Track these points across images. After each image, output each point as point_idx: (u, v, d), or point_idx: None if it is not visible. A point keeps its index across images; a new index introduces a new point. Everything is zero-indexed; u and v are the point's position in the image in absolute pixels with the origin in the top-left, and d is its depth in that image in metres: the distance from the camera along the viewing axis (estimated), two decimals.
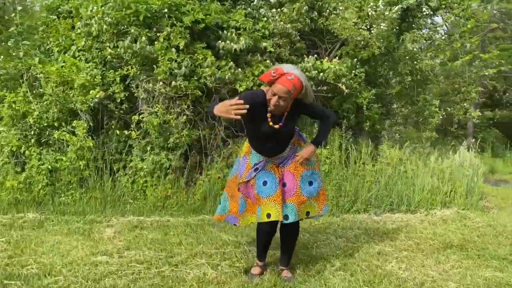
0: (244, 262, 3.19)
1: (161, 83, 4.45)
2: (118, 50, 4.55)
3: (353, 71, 5.28)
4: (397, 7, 5.03)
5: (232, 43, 4.63)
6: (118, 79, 4.79)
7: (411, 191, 4.95)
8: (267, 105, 2.63)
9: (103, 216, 4.35)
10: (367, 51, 4.99)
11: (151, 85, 4.45)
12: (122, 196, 4.69)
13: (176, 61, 4.46)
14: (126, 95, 4.79)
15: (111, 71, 4.85)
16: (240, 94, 2.70)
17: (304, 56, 5.27)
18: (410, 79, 5.42)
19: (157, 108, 4.59)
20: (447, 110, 6.78)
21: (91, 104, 4.58)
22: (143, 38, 4.35)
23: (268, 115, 2.69)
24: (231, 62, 4.63)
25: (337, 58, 5.61)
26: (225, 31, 4.83)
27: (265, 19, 5.27)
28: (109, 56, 4.67)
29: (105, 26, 4.55)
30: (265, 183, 2.78)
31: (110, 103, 4.75)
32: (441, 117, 6.26)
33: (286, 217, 2.78)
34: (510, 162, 10.91)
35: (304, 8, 5.04)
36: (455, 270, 3.13)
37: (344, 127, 5.42)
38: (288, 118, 2.75)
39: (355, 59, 5.43)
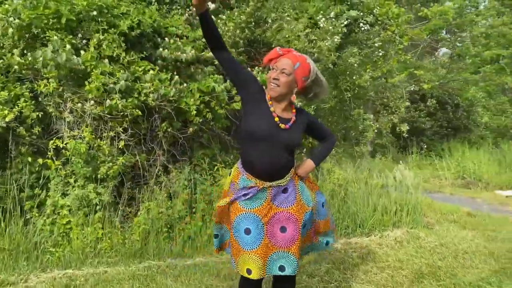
0: None
1: (92, 102, 3.60)
2: (30, 59, 3.57)
3: None
4: (345, 21, 4.83)
5: (178, 53, 3.95)
6: (26, 95, 3.78)
7: (363, 213, 4.80)
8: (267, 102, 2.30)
9: (17, 275, 3.36)
10: (320, 64, 4.70)
11: (80, 104, 3.56)
12: (40, 244, 3.71)
13: (111, 74, 3.64)
14: (40, 115, 3.82)
15: (16, 84, 3.82)
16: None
17: (249, 69, 4.80)
18: (349, 95, 5.29)
19: (85, 132, 3.72)
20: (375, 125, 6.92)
21: None
22: (67, 46, 3.45)
23: (272, 109, 2.28)
24: (176, 76, 3.96)
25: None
26: (166, 39, 4.14)
27: None
28: (16, 67, 3.65)
29: (10, 30, 3.54)
30: (247, 231, 2.24)
31: (18, 125, 3.73)
32: (375, 131, 6.39)
33: (282, 268, 2.29)
34: (409, 166, 11.74)
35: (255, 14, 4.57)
36: None
37: None
38: (295, 123, 2.33)
39: None
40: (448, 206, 6.38)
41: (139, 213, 4.07)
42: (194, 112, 4.02)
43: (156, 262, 3.69)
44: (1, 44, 3.81)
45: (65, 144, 3.73)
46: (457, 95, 15.98)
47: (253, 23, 4.74)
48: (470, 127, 16.61)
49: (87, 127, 3.70)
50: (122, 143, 3.76)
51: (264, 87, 2.42)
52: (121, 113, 3.72)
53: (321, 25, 4.85)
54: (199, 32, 4.52)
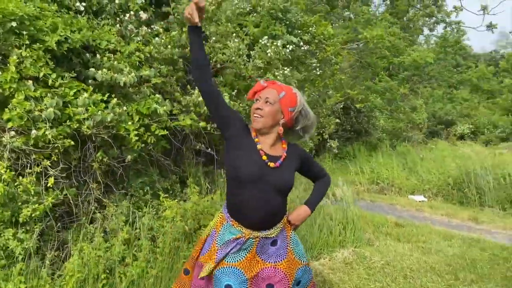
0: None
1: (12, 132, 2.93)
2: None
3: (239, 104, 4.71)
4: (290, 46, 4.69)
5: (116, 74, 3.43)
6: None
7: (310, 235, 4.70)
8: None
9: None
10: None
11: None
12: None
13: (36, 99, 3.01)
14: None
15: None
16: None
17: (189, 88, 4.42)
18: None
19: (1, 169, 3.03)
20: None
21: None
22: None
23: (259, 146, 2.04)
24: (115, 99, 3.43)
25: None
26: (97, 55, 3.58)
27: (138, 39, 4.19)
28: None
29: None
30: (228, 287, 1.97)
31: None
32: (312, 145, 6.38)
33: None
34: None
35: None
36: None
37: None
38: (287, 160, 2.09)
39: (234, 90, 4.87)
40: (376, 216, 6.60)
41: (71, 258, 3.45)
42: (135, 138, 3.53)
43: None
44: None
45: None
46: (361, 101, 17.06)
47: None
48: (370, 130, 17.87)
49: (3, 162, 3.02)
50: (51, 180, 3.14)
51: (248, 125, 2.14)
52: (50, 144, 3.10)
53: (268, 51, 4.65)
54: (133, 45, 4.03)
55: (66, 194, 3.47)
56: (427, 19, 24.71)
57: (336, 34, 5.66)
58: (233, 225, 2.04)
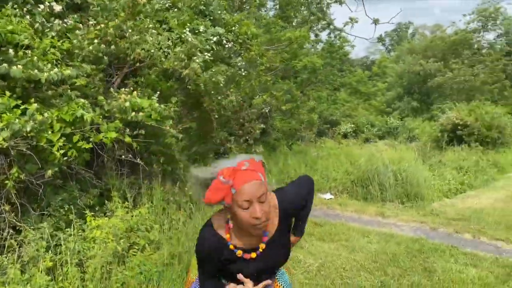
0: None
1: None
2: None
3: (170, 108, 4.37)
4: (214, 38, 4.49)
5: (35, 71, 2.88)
6: None
7: None
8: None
9: None
10: (191, 84, 4.19)
11: None
12: None
13: None
14: None
15: None
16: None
17: (111, 90, 3.96)
18: (216, 116, 4.97)
19: None
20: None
21: None
22: None
23: (239, 252, 1.72)
24: (34, 104, 2.88)
25: (130, 85, 4.51)
26: (10, 51, 2.99)
27: (53, 34, 3.63)
28: None
29: None
30: None
31: None
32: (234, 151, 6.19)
33: None
34: None
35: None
36: None
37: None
38: (275, 236, 1.79)
39: (157, 92, 4.50)
40: None
41: None
42: (59, 151, 3.02)
43: None
44: None
45: None
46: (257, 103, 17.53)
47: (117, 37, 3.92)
48: (269, 131, 18.44)
49: None
50: None
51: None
52: None
53: (189, 39, 4.37)
54: (47, 40, 3.47)
55: None
56: (314, 25, 26.31)
57: (260, 34, 5.61)
58: None
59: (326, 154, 12.95)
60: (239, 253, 1.72)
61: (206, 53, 4.28)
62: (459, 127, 14.79)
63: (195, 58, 4.35)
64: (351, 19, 10.48)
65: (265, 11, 26.09)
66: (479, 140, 14.30)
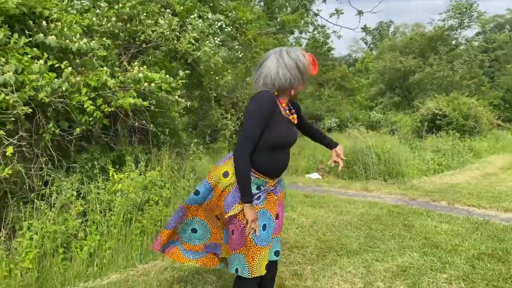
0: None
1: None
2: None
3: (178, 80, 4.83)
4: (218, 23, 5.00)
5: (67, 40, 3.35)
6: None
7: None
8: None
9: None
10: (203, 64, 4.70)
11: None
12: None
13: None
14: None
15: None
16: (248, 109, 2.14)
17: (125, 64, 4.43)
18: (214, 94, 5.47)
19: None
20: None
21: None
22: None
23: (287, 112, 2.32)
24: (69, 67, 3.35)
25: (137, 64, 4.97)
26: (44, 22, 3.44)
27: (74, 11, 4.08)
28: None
29: None
30: (264, 227, 2.28)
31: None
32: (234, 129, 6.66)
33: (277, 253, 2.45)
34: None
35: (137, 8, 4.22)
36: (360, 270, 3.57)
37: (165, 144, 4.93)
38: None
39: (178, 70, 4.96)
40: (286, 191, 7.26)
41: (25, 235, 3.27)
42: (92, 108, 3.50)
43: None
44: None
45: None
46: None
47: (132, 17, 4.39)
48: None
49: None
50: (10, 149, 2.96)
51: (274, 98, 2.23)
52: (8, 111, 2.93)
53: (199, 24, 4.87)
54: (70, 17, 3.93)
55: (20, 170, 3.28)
56: (301, 20, 27.05)
57: (254, 20, 6.13)
58: (258, 177, 2.27)
59: (312, 143, 13.53)
60: (287, 112, 2.28)
61: (216, 38, 4.79)
62: (438, 117, 15.56)
63: (207, 42, 4.84)
64: (336, 10, 11.05)
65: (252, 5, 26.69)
66: (457, 129, 15.08)
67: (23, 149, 3.26)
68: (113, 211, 3.83)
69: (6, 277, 3.06)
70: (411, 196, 7.16)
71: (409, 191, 7.66)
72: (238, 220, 2.21)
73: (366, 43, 54.95)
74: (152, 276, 3.38)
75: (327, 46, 28.28)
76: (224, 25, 5.58)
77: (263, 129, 2.14)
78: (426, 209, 6.04)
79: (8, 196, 3.25)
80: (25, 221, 3.33)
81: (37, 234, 3.28)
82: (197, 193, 2.37)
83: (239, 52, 5.63)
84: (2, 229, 3.23)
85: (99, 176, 3.94)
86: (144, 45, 5.00)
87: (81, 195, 3.75)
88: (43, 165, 3.47)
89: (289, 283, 3.29)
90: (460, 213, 5.89)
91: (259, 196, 2.28)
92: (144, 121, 4.47)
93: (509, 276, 3.43)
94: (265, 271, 2.24)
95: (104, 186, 3.94)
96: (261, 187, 2.29)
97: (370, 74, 38.73)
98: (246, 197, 2.15)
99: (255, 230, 2.19)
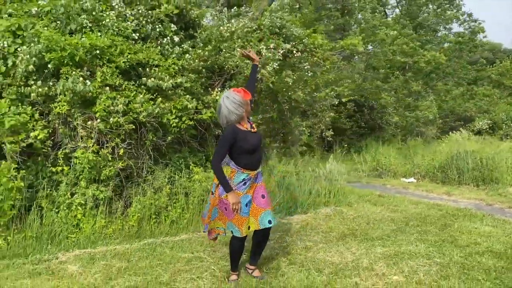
0: (218, 271, 3.93)
1: (98, 120, 4.71)
2: (46, 88, 4.63)
3: None
4: (281, 51, 6.33)
5: (160, 81, 5.18)
6: (36, 116, 4.81)
7: (301, 196, 6.30)
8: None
9: (48, 254, 4.39)
10: (263, 84, 6.14)
11: (90, 122, 4.68)
12: (59, 232, 4.74)
13: (113, 98, 4.79)
14: (49, 131, 4.85)
15: (28, 107, 4.82)
16: (220, 138, 3.53)
17: (210, 89, 6.11)
18: (287, 107, 6.81)
19: (90, 143, 4.81)
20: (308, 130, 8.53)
21: (24, 144, 4.53)
22: (79, 78, 4.56)
23: (247, 127, 3.53)
24: (160, 98, 5.18)
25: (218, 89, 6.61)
26: (147, 69, 5.33)
27: (173, 56, 5.91)
28: (33, 94, 4.66)
29: (31, 66, 4.56)
30: (246, 205, 3.61)
31: (35, 141, 4.73)
32: (308, 135, 7.94)
33: (270, 221, 3.64)
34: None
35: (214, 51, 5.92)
36: (360, 251, 4.50)
37: None
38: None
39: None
40: (364, 190, 8.12)
41: (133, 204, 5.20)
42: (175, 124, 5.26)
43: (151, 240, 4.88)
44: (21, 77, 4.79)
45: (74, 154, 4.80)
46: (373, 99, 18.50)
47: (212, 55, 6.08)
48: (383, 126, 19.16)
49: (92, 139, 4.81)
50: (122, 151, 4.91)
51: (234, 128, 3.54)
52: (120, 128, 4.87)
53: (263, 53, 6.29)
54: (170, 60, 5.77)
55: (131, 163, 5.23)
56: (442, 17, 25.82)
57: (325, 44, 7.23)
58: (244, 172, 3.64)
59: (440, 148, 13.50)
60: (247, 127, 3.55)
61: (274, 63, 6.16)
62: None
63: (267, 66, 6.27)
64: None
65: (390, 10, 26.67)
66: None
67: (132, 150, 5.20)
68: (192, 194, 5.55)
69: (120, 229, 5.01)
70: (490, 202, 7.24)
71: (494, 197, 7.66)
72: (227, 202, 3.61)
73: None
74: (207, 238, 4.96)
75: (474, 42, 26.22)
76: (295, 51, 6.87)
77: (228, 148, 3.48)
78: (487, 213, 6.23)
79: (123, 181, 5.23)
80: (134, 196, 5.27)
81: (140, 205, 5.18)
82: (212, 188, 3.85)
83: (308, 72, 6.82)
84: (121, 200, 5.21)
85: (185, 170, 5.71)
86: (232, 72, 6.66)
87: (171, 182, 5.56)
88: (146, 161, 5.37)
89: (295, 252, 4.47)
90: None
91: (245, 183, 3.62)
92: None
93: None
94: (248, 231, 3.58)
95: (188, 176, 5.69)
96: (245, 178, 3.64)
97: None
98: (226, 188, 3.52)
99: (237, 208, 3.53)
